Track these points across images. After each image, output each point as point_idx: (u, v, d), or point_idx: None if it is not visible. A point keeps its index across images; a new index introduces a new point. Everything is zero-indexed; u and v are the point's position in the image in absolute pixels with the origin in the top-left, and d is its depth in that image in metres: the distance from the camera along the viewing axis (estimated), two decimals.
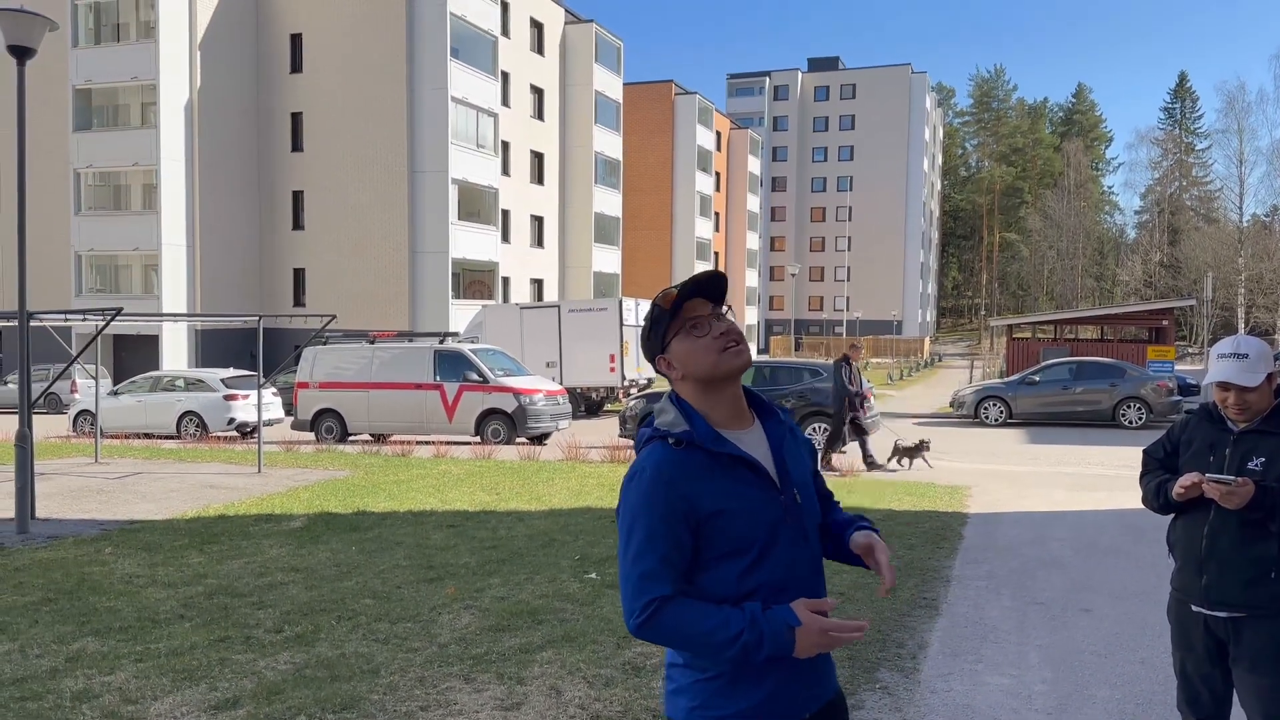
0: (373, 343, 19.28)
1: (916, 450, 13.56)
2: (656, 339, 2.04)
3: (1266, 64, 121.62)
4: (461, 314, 35.45)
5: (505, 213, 41.03)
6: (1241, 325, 65.17)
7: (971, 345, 71.17)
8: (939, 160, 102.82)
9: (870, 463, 13.47)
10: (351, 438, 18.92)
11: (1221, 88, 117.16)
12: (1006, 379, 24.30)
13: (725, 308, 2.07)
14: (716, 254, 65.22)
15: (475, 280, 38.99)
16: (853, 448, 14.17)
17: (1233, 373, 3.06)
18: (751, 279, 72.48)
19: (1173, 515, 3.28)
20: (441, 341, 19.50)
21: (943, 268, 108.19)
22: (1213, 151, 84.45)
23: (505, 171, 40.95)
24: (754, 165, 72.65)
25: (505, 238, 40.91)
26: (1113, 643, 5.50)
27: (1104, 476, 12.78)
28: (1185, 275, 70.99)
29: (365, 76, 36.46)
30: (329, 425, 18.98)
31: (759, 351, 73.37)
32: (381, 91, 36.25)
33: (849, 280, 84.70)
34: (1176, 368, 27.54)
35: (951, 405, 23.76)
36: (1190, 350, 58.58)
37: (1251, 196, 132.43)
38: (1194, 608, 3.19)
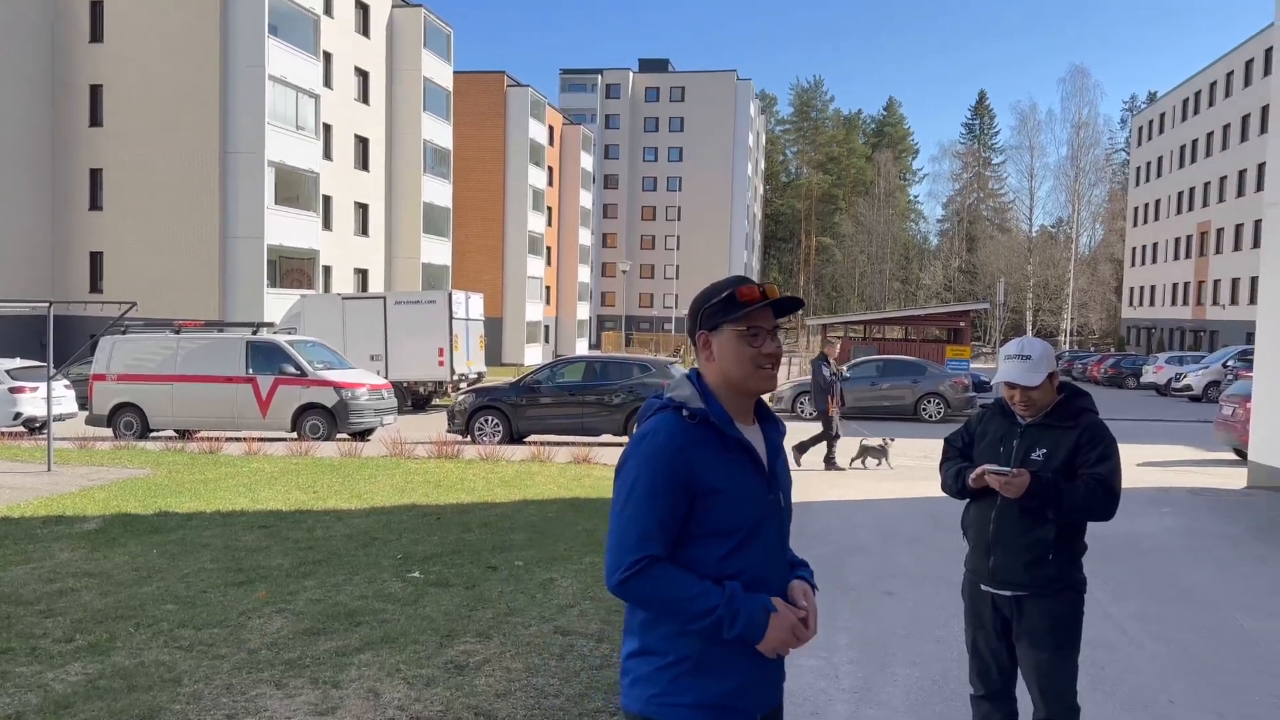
0: (178, 332, 18.16)
1: (881, 450, 13.58)
2: (714, 317, 2.07)
3: (1055, 86, 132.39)
4: (278, 303, 33.78)
5: (327, 199, 39.45)
6: (1029, 327, 70.82)
7: (790, 343, 74.13)
8: (762, 165, 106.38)
9: (830, 463, 13.44)
10: (154, 434, 17.73)
11: (1016, 107, 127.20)
12: None
13: (777, 328, 2.15)
14: (549, 248, 65.06)
15: (293, 268, 37.28)
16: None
17: (1017, 374, 3.37)
18: (584, 275, 72.74)
19: (967, 501, 3.57)
20: (255, 332, 18.57)
21: (764, 269, 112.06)
22: (1007, 166, 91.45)
23: (327, 155, 39.37)
24: (587, 161, 72.89)
25: (327, 225, 39.34)
26: (912, 624, 5.87)
27: (906, 467, 13.60)
28: (981, 280, 76.48)
29: (174, 49, 34.14)
30: (128, 420, 17.71)
31: (590, 347, 73.79)
32: (192, 66, 34.05)
33: (678, 279, 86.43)
34: (971, 366, 29.70)
35: (770, 401, 24.69)
36: (984, 350, 63.15)
37: (1040, 209, 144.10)
38: (983, 587, 3.47)
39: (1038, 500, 3.27)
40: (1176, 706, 4.67)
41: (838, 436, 13.69)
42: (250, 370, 17.39)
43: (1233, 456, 14.72)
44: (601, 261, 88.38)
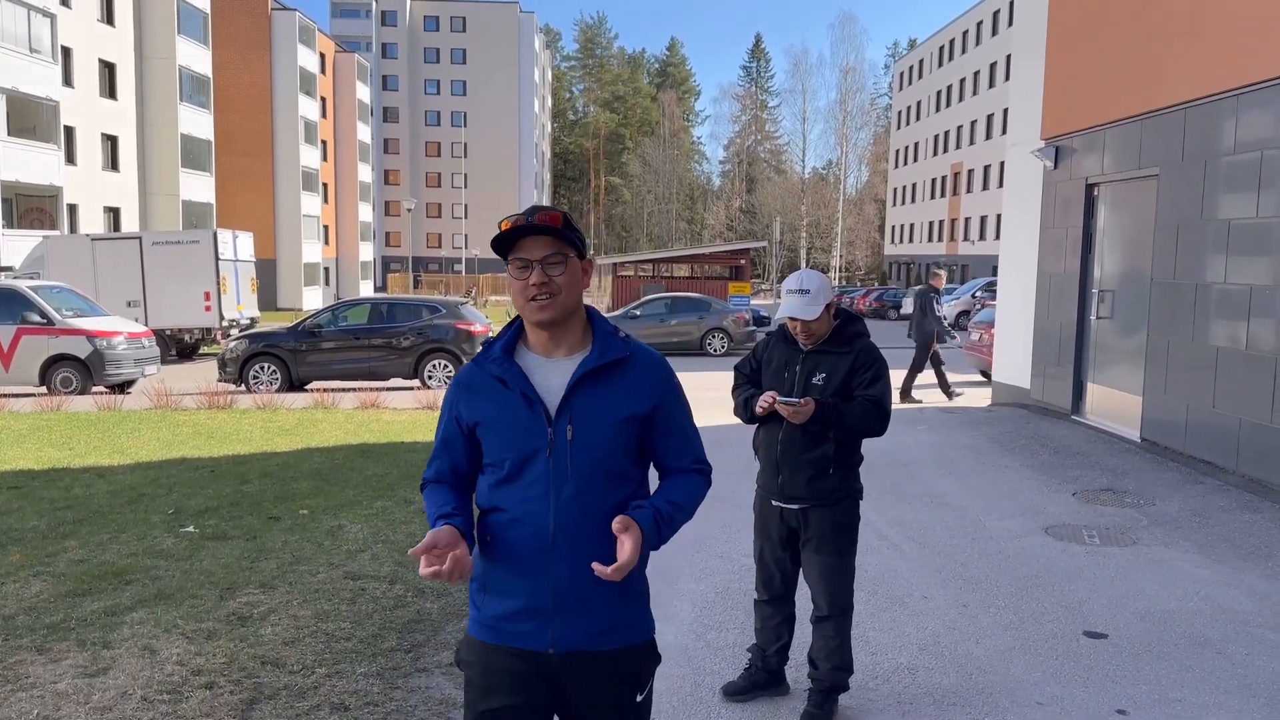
0: None
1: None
2: (498, 252, 2.08)
3: (825, 31, 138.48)
4: (16, 247, 30.38)
5: (69, 130, 35.59)
6: (804, 264, 74.75)
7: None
8: (549, 102, 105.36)
9: (948, 391, 13.37)
10: None
11: (789, 51, 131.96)
12: (613, 313, 25.89)
13: (559, 255, 2.04)
14: (325, 185, 61.85)
15: (33, 207, 33.56)
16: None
17: (796, 309, 3.64)
18: (365, 213, 69.81)
19: (756, 425, 3.84)
20: None
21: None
22: (782, 109, 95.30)
23: (68, 82, 35.44)
24: (363, 93, 69.48)
25: (70, 159, 35.57)
26: (698, 542, 6.18)
27: (694, 399, 14.11)
28: (760, 220, 79.70)
29: None
30: None
31: (375, 289, 71.22)
32: None
33: (466, 218, 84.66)
34: (752, 302, 31.10)
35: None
36: (763, 287, 66.10)
37: (812, 151, 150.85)
38: (774, 502, 3.79)
39: (820, 424, 3.55)
40: (929, 601, 5.19)
41: (943, 364, 13.56)
42: None
43: (980, 378, 16.26)
44: (385, 199, 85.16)
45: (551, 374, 2.07)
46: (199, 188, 44.97)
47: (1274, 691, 4.06)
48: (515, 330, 2.15)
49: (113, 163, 39.22)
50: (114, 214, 39.14)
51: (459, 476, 2.16)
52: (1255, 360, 7.68)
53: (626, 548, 1.95)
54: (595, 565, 1.93)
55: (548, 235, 2.03)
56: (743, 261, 35.62)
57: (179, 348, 23.86)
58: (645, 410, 2.10)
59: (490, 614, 2.07)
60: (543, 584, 2.02)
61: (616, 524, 1.96)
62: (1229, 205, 8.11)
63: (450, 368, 16.03)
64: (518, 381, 2.05)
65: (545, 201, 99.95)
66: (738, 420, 3.92)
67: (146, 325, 20.01)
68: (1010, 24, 50.67)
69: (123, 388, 16.43)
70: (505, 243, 2.04)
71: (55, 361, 15.78)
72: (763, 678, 3.97)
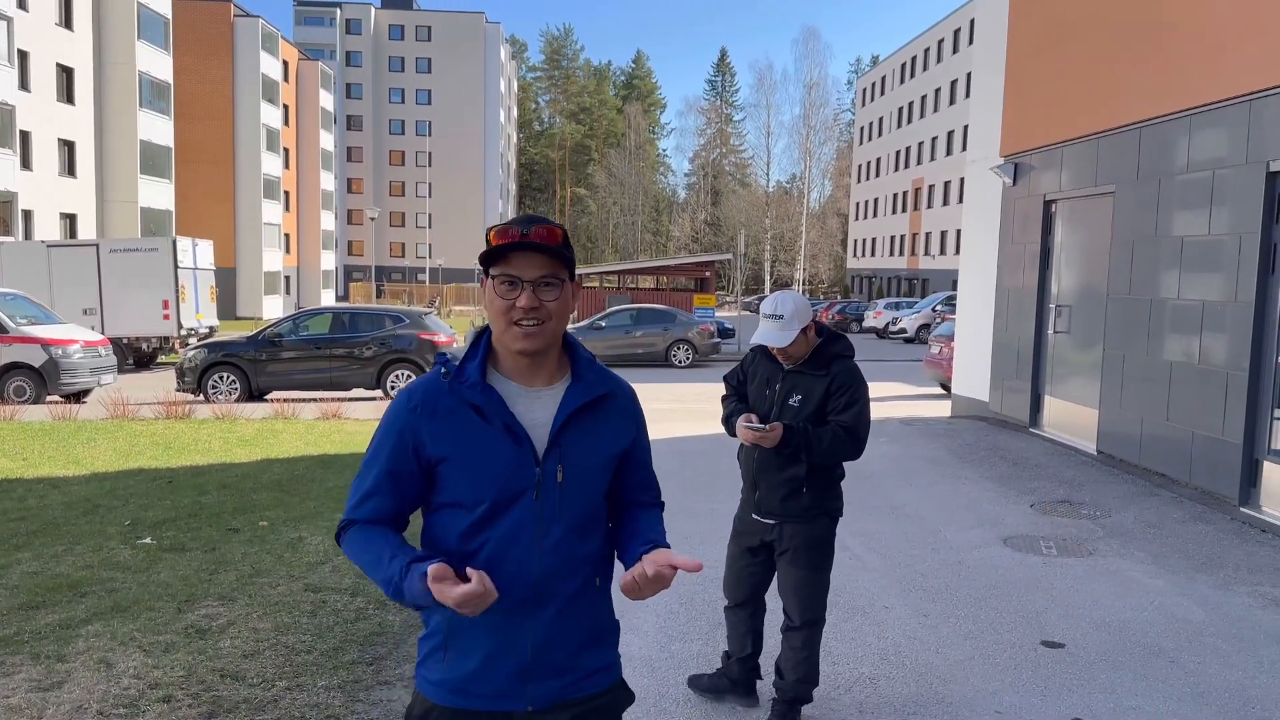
0: None
1: None
2: (484, 263, 1.83)
3: (790, 47, 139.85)
4: None
5: (25, 135, 34.95)
6: (768, 277, 75.24)
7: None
8: (515, 113, 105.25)
9: None
10: None
11: (754, 66, 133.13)
12: (578, 324, 25.86)
13: (554, 278, 1.81)
14: (287, 193, 61.24)
15: None
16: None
17: (770, 336, 3.65)
18: (328, 222, 69.18)
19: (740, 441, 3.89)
20: None
21: None
22: (746, 123, 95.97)
23: (24, 86, 34.82)
24: (327, 100, 68.93)
25: (26, 164, 34.92)
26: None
27: (660, 410, 14.16)
28: (725, 232, 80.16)
29: None
30: None
31: (337, 299, 70.55)
32: None
33: (430, 227, 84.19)
34: (716, 314, 31.22)
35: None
36: (728, 299, 66.41)
37: (776, 165, 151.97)
38: (752, 515, 3.86)
39: (790, 449, 3.62)
40: (890, 611, 5.24)
41: None
42: None
43: (940, 391, 16.46)
44: (347, 208, 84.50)
45: (533, 406, 1.84)
46: (158, 195, 44.35)
47: (1225, 700, 4.15)
48: (484, 350, 1.88)
49: (70, 168, 38.56)
50: (71, 220, 38.46)
51: (400, 520, 1.88)
52: (1208, 375, 7.86)
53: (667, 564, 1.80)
54: (635, 573, 1.79)
55: (544, 254, 1.80)
56: (708, 274, 35.81)
57: (136, 357, 23.47)
58: (625, 446, 1.95)
59: (456, 675, 1.82)
60: (522, 637, 1.81)
61: (664, 560, 1.80)
62: (1182, 222, 8.31)
63: (414, 378, 15.88)
64: (500, 413, 1.80)
65: (510, 211, 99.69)
66: (703, 432, 3.97)
67: (103, 334, 19.67)
68: (971, 42, 51.55)
69: (78, 397, 16.13)
70: (492, 254, 1.81)
71: (9, 370, 15.45)
72: (725, 684, 4.04)
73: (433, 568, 1.65)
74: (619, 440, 1.93)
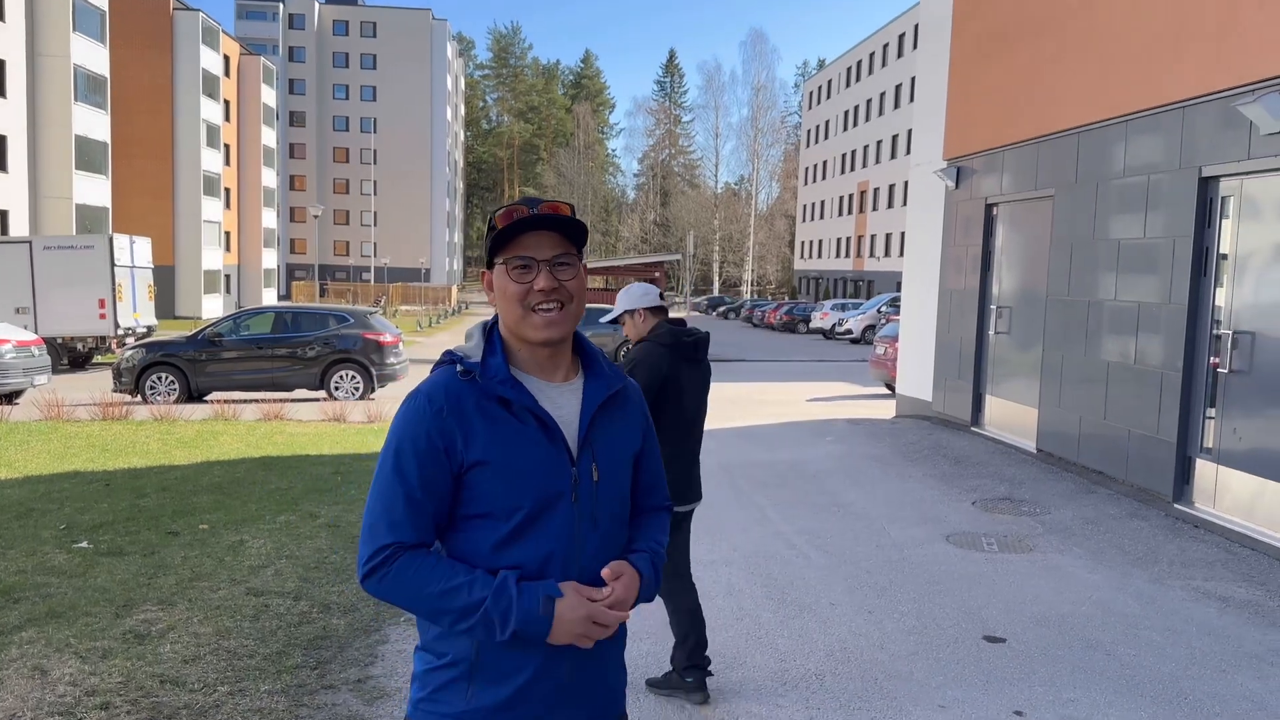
0: None
1: None
2: (489, 252, 1.70)
3: (738, 49, 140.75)
4: None
5: None
6: (716, 278, 75.66)
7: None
8: (462, 111, 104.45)
9: None
10: None
11: (703, 67, 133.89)
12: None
13: (569, 255, 1.71)
14: (228, 190, 60.04)
15: None
16: None
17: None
18: (270, 219, 67.92)
19: None
20: None
21: (468, 218, 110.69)
22: (695, 124, 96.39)
23: None
24: (269, 96, 67.68)
25: None
26: None
27: None
28: (674, 233, 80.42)
29: None
30: None
31: (279, 298, 69.35)
32: None
33: (376, 226, 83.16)
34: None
35: None
36: (677, 299, 66.58)
37: (724, 166, 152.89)
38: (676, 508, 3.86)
39: None
40: (836, 608, 5.30)
41: None
42: None
43: (885, 390, 16.69)
44: (290, 206, 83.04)
45: (558, 401, 1.72)
46: (94, 191, 43.18)
47: (1159, 690, 4.27)
48: (499, 344, 1.73)
49: (1, 163, 37.38)
50: (2, 217, 37.27)
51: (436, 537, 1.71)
52: (1143, 375, 8.08)
53: (625, 586, 1.69)
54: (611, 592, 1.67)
55: (555, 231, 1.69)
56: (657, 274, 35.89)
57: (71, 357, 22.83)
58: (641, 444, 1.85)
59: (483, 705, 1.65)
60: (559, 659, 1.67)
61: (608, 571, 1.68)
62: (1119, 226, 8.53)
63: (358, 378, 15.70)
64: (532, 409, 1.66)
65: (457, 210, 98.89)
66: None
67: (36, 333, 19.10)
68: (915, 47, 52.30)
69: (10, 398, 15.64)
70: (499, 240, 1.68)
71: None
72: (675, 679, 4.07)
73: (575, 584, 1.58)
74: (636, 437, 1.84)
